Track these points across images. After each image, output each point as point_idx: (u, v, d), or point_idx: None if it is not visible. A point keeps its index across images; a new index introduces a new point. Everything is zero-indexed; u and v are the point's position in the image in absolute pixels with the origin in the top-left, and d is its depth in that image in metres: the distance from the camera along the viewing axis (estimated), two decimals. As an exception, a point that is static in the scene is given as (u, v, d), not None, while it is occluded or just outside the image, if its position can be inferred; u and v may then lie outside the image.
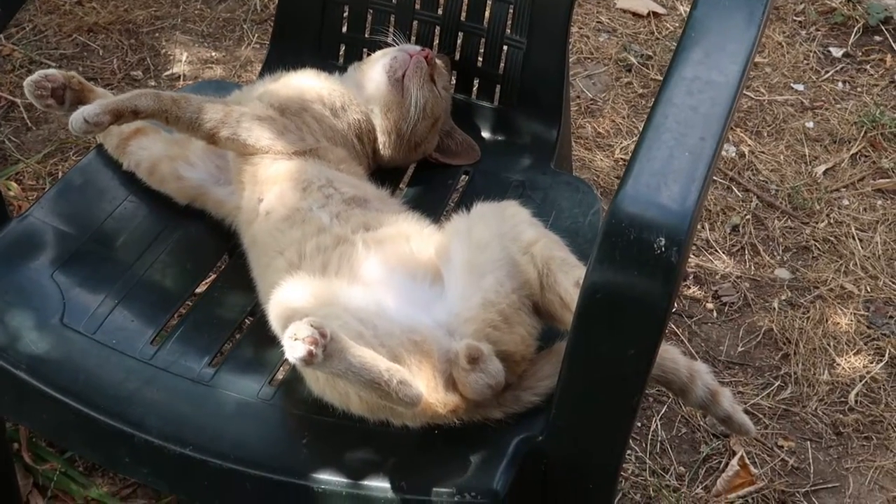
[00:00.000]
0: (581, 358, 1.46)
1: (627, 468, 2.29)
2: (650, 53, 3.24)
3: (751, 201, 2.86)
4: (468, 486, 1.52)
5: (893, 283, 2.68)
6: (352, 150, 1.95)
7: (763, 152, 2.99)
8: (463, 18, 2.14)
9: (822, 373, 2.49)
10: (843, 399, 2.45)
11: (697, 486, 2.29)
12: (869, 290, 2.66)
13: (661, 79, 1.51)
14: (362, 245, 1.70)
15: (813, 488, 2.30)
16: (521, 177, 2.04)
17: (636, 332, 1.40)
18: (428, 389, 1.55)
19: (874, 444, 2.38)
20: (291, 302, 1.60)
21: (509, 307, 1.62)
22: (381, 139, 1.99)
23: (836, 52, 3.30)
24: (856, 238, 2.78)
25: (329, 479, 1.54)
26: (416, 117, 1.98)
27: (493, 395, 1.58)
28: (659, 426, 2.37)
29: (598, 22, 3.35)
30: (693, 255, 2.70)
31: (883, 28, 3.36)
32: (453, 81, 2.16)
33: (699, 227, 2.75)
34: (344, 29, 2.21)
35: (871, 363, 2.52)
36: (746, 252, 2.74)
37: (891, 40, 3.34)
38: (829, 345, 2.54)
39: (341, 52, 2.21)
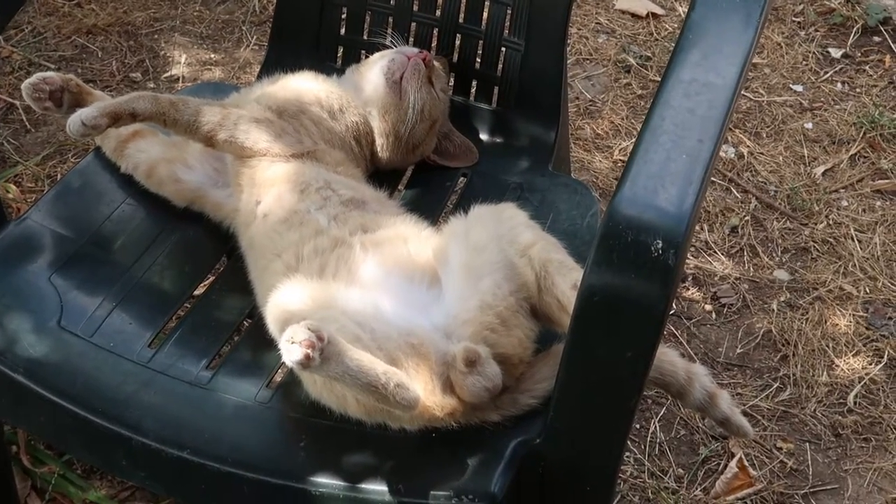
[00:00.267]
0: (579, 360, 1.46)
1: (626, 470, 2.29)
2: (649, 54, 3.24)
3: (750, 202, 2.86)
4: (466, 489, 1.51)
5: (892, 284, 2.68)
6: (350, 152, 1.95)
7: (762, 153, 2.99)
8: (461, 20, 2.14)
9: (821, 374, 2.49)
10: (842, 400, 2.45)
11: (696, 488, 2.28)
12: (868, 291, 2.66)
13: (660, 80, 1.51)
14: (360, 247, 1.70)
15: (812, 490, 2.30)
16: (519, 179, 2.04)
17: (634, 335, 1.39)
18: (425, 392, 1.54)
19: (873, 445, 2.38)
20: (289, 305, 1.60)
21: (507, 310, 1.62)
22: (379, 141, 1.99)
23: (835, 53, 3.30)
24: (855, 239, 2.78)
25: (327, 481, 1.54)
26: (414, 119, 1.98)
27: (490, 397, 1.58)
28: (657, 428, 2.37)
29: (596, 23, 3.35)
30: (692, 256, 2.70)
31: (882, 29, 3.36)
32: (451, 83, 2.15)
33: (698, 228, 2.75)
34: (342, 31, 2.21)
35: (870, 364, 2.51)
36: (745, 253, 2.74)
37: (890, 41, 3.34)
38: (827, 346, 2.54)
39: (339, 54, 2.21)
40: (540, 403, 1.62)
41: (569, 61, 2.98)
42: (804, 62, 3.27)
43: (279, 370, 1.71)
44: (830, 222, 2.82)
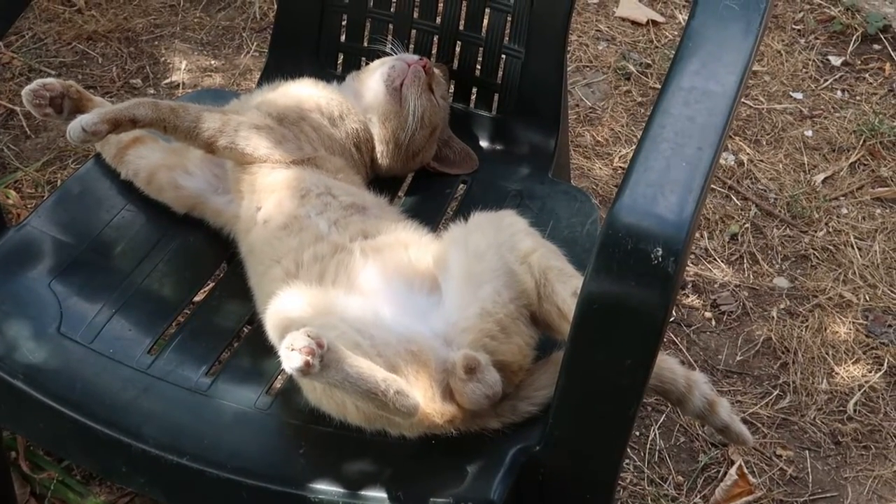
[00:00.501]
0: (578, 368, 1.46)
1: (625, 477, 2.29)
2: (649, 62, 3.24)
3: (749, 210, 2.86)
4: (465, 496, 1.51)
5: (892, 291, 2.68)
6: (350, 159, 1.95)
7: (762, 161, 2.99)
8: (461, 28, 2.14)
9: (821, 382, 2.49)
10: (841, 408, 2.45)
11: (696, 496, 2.28)
12: (868, 298, 2.66)
13: (660, 87, 1.51)
14: (360, 253, 1.70)
15: (811, 498, 2.30)
16: (518, 186, 2.04)
17: (633, 342, 1.40)
18: (425, 399, 1.54)
19: (873, 453, 2.38)
20: (288, 312, 1.60)
21: (507, 317, 1.62)
22: (380, 148, 1.99)
23: (835, 61, 3.30)
24: (854, 247, 2.78)
25: (326, 488, 1.54)
26: (414, 126, 1.98)
27: (490, 405, 1.58)
28: (657, 435, 2.37)
29: (597, 30, 3.35)
30: (691, 263, 2.70)
31: (882, 36, 3.37)
32: (451, 91, 2.16)
33: (697, 235, 2.75)
34: (342, 38, 2.21)
35: (870, 372, 2.51)
36: (745, 261, 2.74)
37: (889, 49, 3.34)
38: (827, 354, 2.54)
39: (339, 61, 2.22)
40: (540, 411, 1.62)
41: (569, 68, 2.98)
42: (804, 70, 3.27)
43: (279, 377, 1.71)
44: (830, 230, 2.82)
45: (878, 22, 3.36)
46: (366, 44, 2.18)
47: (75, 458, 1.94)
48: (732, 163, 2.97)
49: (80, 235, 1.87)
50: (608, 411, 1.47)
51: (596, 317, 1.39)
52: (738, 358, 2.54)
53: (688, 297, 2.64)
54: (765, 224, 2.83)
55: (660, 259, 1.31)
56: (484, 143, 2.14)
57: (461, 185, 2.08)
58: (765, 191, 2.91)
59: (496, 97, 2.15)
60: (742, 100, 2.88)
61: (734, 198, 2.89)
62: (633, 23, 3.39)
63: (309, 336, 1.42)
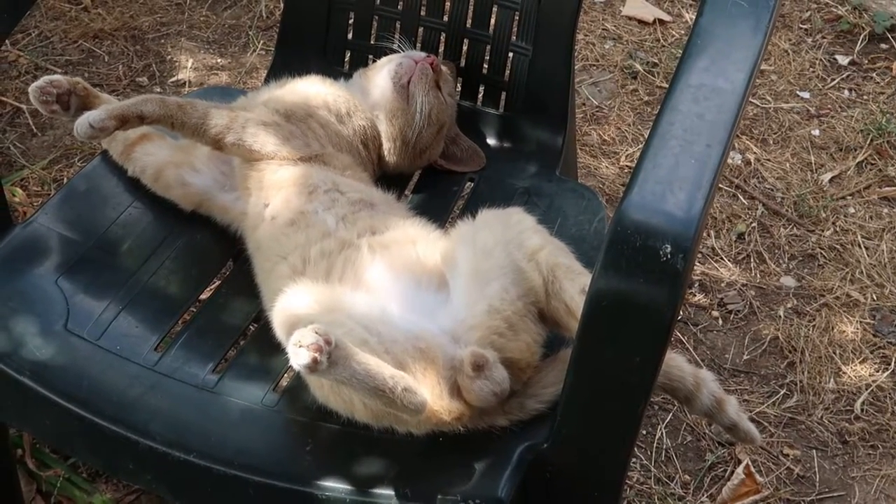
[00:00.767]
0: (586, 365, 1.46)
1: (632, 476, 2.29)
2: (656, 61, 3.24)
3: (756, 209, 2.85)
4: (472, 494, 1.51)
5: (899, 291, 2.68)
6: (357, 156, 1.95)
7: (769, 160, 2.98)
8: (468, 25, 2.14)
9: (828, 381, 2.48)
10: (849, 407, 2.44)
11: (702, 495, 2.28)
12: (875, 298, 2.66)
13: (667, 86, 1.51)
14: (367, 250, 1.70)
15: (818, 497, 2.30)
16: (526, 184, 2.04)
17: (642, 340, 1.39)
18: (433, 397, 1.54)
19: (880, 452, 2.37)
20: (295, 308, 1.60)
21: (514, 314, 1.62)
22: (387, 145, 1.99)
23: (843, 60, 3.30)
24: (862, 246, 2.77)
25: (333, 486, 1.54)
26: (422, 124, 1.97)
27: (497, 402, 1.58)
28: (664, 434, 2.37)
29: (603, 29, 3.35)
30: (698, 262, 2.70)
31: (889, 36, 3.36)
32: (458, 88, 2.15)
33: (705, 234, 2.75)
34: (349, 35, 2.21)
35: (878, 371, 2.51)
36: (752, 260, 2.74)
37: (897, 48, 3.34)
38: (834, 353, 2.53)
39: (347, 59, 2.21)
40: (547, 408, 1.61)
41: (576, 67, 2.98)
42: (811, 69, 3.26)
43: (286, 374, 1.70)
44: (837, 229, 2.82)
45: (885, 21, 3.35)
46: (373, 41, 2.18)
47: (82, 455, 1.94)
48: (739, 162, 2.97)
49: (86, 232, 1.87)
50: (616, 409, 1.47)
51: (604, 314, 1.38)
52: (745, 357, 2.53)
53: (695, 295, 2.64)
54: (772, 223, 2.82)
55: (668, 256, 1.31)
56: (491, 141, 2.14)
57: (468, 183, 2.07)
58: (772, 190, 2.91)
59: (503, 95, 2.14)
60: (749, 99, 2.88)
61: (741, 197, 2.88)
62: (640, 21, 3.38)
63: (316, 333, 1.41)
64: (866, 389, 2.47)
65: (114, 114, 1.73)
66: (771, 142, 3.04)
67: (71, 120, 1.81)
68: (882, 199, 2.91)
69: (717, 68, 1.51)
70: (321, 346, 1.41)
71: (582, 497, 1.58)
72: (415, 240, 1.73)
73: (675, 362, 1.72)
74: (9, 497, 2.04)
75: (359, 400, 1.54)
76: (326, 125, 1.91)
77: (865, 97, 3.19)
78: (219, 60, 3.14)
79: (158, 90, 3.02)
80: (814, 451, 2.37)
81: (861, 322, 2.60)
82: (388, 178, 2.01)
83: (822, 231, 2.81)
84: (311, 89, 1.97)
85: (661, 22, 3.37)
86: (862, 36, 3.35)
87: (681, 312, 2.54)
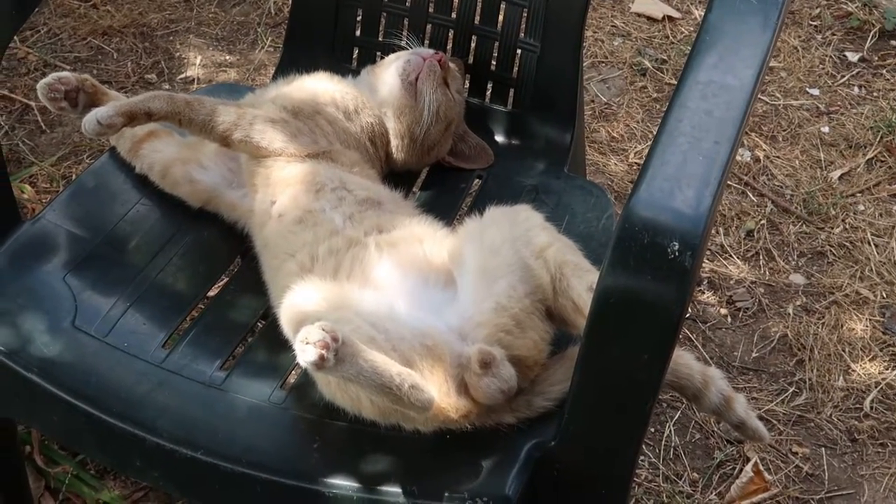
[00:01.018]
0: (594, 363, 1.45)
1: (640, 474, 2.28)
2: (665, 58, 3.23)
3: (766, 206, 2.85)
4: (480, 492, 1.51)
5: (909, 288, 2.67)
6: (365, 153, 1.94)
7: (778, 157, 2.98)
8: (476, 22, 2.14)
9: (837, 379, 2.48)
10: (858, 405, 2.44)
11: (711, 493, 2.28)
12: (885, 295, 2.65)
13: (676, 83, 1.50)
14: (375, 248, 1.70)
15: (827, 495, 2.29)
16: (534, 181, 2.03)
17: (650, 337, 1.39)
18: (440, 394, 1.54)
19: (889, 450, 2.37)
20: (303, 306, 1.60)
21: (522, 312, 1.61)
22: (395, 142, 1.99)
23: (852, 57, 3.29)
24: (871, 243, 2.77)
25: (340, 483, 1.54)
26: (430, 121, 1.97)
27: (505, 399, 1.58)
28: (672, 432, 2.36)
29: (612, 26, 3.34)
30: (707, 259, 2.69)
31: (899, 33, 3.35)
32: (467, 85, 2.15)
33: (713, 231, 2.74)
34: (357, 32, 2.21)
35: (887, 369, 2.50)
36: (761, 257, 2.73)
37: (907, 45, 3.33)
38: (844, 351, 2.53)
39: (355, 56, 2.21)
40: (555, 406, 1.61)
41: (584, 64, 2.98)
42: (821, 66, 3.25)
43: (293, 371, 1.70)
44: (847, 226, 2.81)
45: (895, 18, 3.34)
46: (381, 38, 2.18)
47: (90, 452, 1.95)
48: (749, 159, 2.96)
49: (94, 229, 1.87)
50: (624, 407, 1.47)
51: (612, 311, 1.38)
52: (753, 355, 2.53)
53: (703, 293, 2.63)
54: (781, 220, 2.82)
55: (677, 253, 1.31)
56: (499, 138, 2.14)
57: (476, 180, 2.07)
58: (781, 187, 2.90)
59: (512, 92, 2.14)
60: (758, 96, 2.88)
61: (750, 194, 2.88)
62: (649, 18, 3.38)
63: (324, 330, 1.41)
64: (876, 387, 2.46)
65: (122, 110, 1.73)
66: (780, 139, 3.03)
67: (79, 117, 1.81)
68: (892, 197, 2.90)
69: (725, 65, 1.50)
70: (328, 343, 1.41)
71: (590, 495, 1.58)
72: (422, 238, 1.73)
73: (684, 360, 1.72)
74: (17, 493, 2.04)
75: (366, 397, 1.54)
76: (334, 122, 1.91)
77: (875, 94, 3.18)
78: (227, 57, 3.14)
79: (167, 87, 3.02)
80: (823, 449, 2.36)
81: (870, 320, 2.59)
82: (396, 175, 2.01)
83: (832, 228, 2.80)
84: (319, 86, 1.97)
85: (671, 18, 3.37)
86: (872, 33, 3.34)
87: (689, 310, 2.53)
